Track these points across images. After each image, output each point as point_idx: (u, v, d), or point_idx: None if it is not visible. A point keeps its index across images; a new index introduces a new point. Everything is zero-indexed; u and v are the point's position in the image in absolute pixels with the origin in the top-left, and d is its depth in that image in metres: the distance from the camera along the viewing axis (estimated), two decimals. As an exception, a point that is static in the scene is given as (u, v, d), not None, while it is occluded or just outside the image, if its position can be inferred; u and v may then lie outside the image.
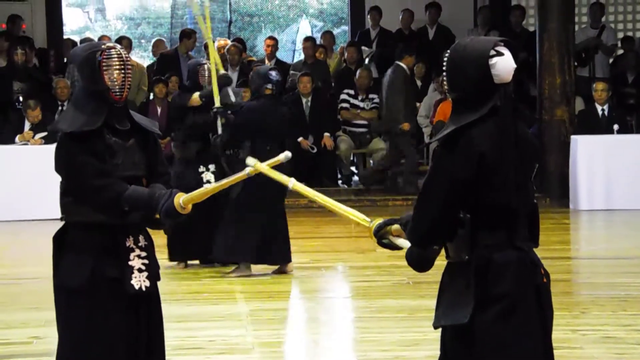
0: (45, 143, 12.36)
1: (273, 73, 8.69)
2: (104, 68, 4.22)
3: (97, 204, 4.21)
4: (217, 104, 8.75)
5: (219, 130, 8.75)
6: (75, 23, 24.03)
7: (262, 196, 8.37)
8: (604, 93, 12.91)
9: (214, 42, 9.74)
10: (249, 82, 8.81)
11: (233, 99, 9.07)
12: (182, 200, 4.18)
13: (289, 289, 8.30)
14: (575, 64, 13.61)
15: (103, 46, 4.26)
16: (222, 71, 8.93)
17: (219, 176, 8.78)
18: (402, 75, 13.31)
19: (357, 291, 8.24)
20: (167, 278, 8.46)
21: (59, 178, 4.34)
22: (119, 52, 4.24)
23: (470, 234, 3.58)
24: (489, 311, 3.57)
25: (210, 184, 8.58)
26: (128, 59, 4.27)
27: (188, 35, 15.10)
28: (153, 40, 15.50)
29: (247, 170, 4.18)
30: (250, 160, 4.22)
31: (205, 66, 9.01)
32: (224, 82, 8.93)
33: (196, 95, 8.92)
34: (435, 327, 3.70)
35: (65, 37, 16.71)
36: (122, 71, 4.23)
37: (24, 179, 12.03)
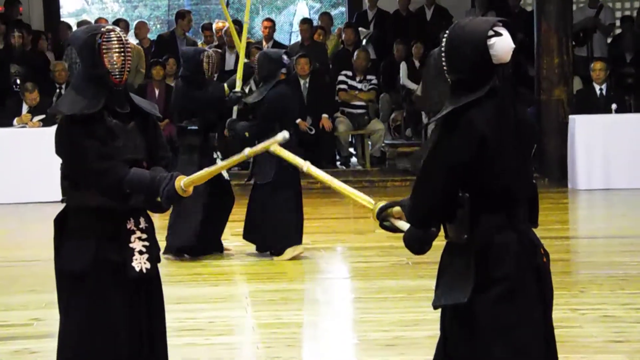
0: (44, 125, 12.36)
1: (285, 57, 8.56)
2: (104, 51, 4.21)
3: (99, 187, 4.21)
4: (238, 87, 8.69)
5: (234, 115, 8.72)
6: (72, 5, 23.96)
7: (292, 178, 8.45)
8: (602, 73, 12.89)
9: (211, 24, 9.67)
10: (257, 66, 8.65)
11: (254, 88, 9.00)
12: (183, 182, 4.18)
13: (289, 270, 8.31)
14: (573, 43, 13.60)
15: (103, 29, 4.25)
16: (246, 60, 8.87)
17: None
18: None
19: (356, 272, 8.26)
20: (167, 259, 8.47)
21: (58, 160, 4.34)
22: (118, 35, 4.23)
23: (470, 214, 3.59)
24: (490, 293, 3.58)
25: (225, 172, 8.56)
26: (127, 42, 4.26)
27: (182, 15, 15.07)
28: (134, 23, 15.38)
29: (246, 151, 4.17)
30: (245, 150, 4.21)
31: (206, 53, 8.70)
32: (248, 72, 8.91)
33: (225, 86, 8.80)
34: (435, 307, 3.71)
35: (62, 19, 16.68)
36: (122, 54, 4.22)
37: (23, 162, 12.03)
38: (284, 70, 8.50)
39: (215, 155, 8.72)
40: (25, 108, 12.71)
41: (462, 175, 3.56)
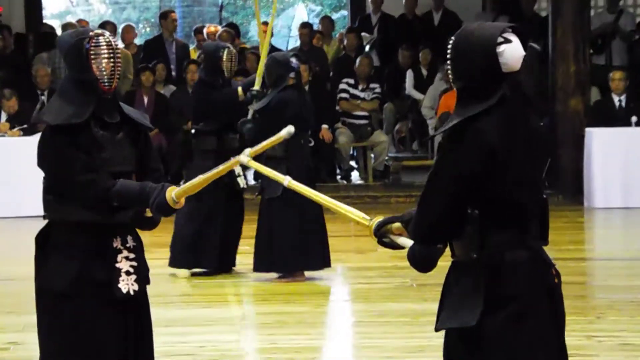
0: (24, 134, 12.36)
1: (293, 60, 8.58)
2: (92, 57, 4.22)
3: (84, 201, 4.21)
4: (257, 86, 8.74)
5: (249, 115, 8.74)
6: (56, 6, 24.00)
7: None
8: (621, 82, 12.92)
9: (203, 28, 9.75)
10: (266, 71, 8.66)
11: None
12: (174, 193, 4.17)
13: (285, 292, 8.30)
14: (591, 51, 13.62)
15: (91, 33, 4.26)
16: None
17: (244, 168, 8.72)
18: (535, 55, 13.33)
19: (357, 294, 8.25)
20: (156, 280, 8.39)
21: (40, 173, 4.34)
22: (107, 40, 4.24)
23: (479, 231, 3.59)
24: (499, 314, 3.57)
25: (240, 177, 8.66)
26: (117, 47, 4.27)
27: (164, 16, 15.10)
28: (121, 26, 15.38)
29: (246, 152, 4.17)
30: (246, 150, 4.22)
31: (227, 50, 8.85)
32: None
33: (240, 90, 8.86)
34: (438, 330, 3.71)
35: (44, 21, 16.71)
36: (112, 60, 4.23)
37: (1, 174, 12.02)
38: (292, 75, 8.51)
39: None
40: (3, 116, 12.71)
41: (470, 188, 3.57)
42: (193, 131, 9.09)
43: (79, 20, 15.90)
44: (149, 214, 4.26)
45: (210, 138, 8.86)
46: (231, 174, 8.69)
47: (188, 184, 4.22)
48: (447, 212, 3.59)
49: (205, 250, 8.74)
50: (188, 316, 7.49)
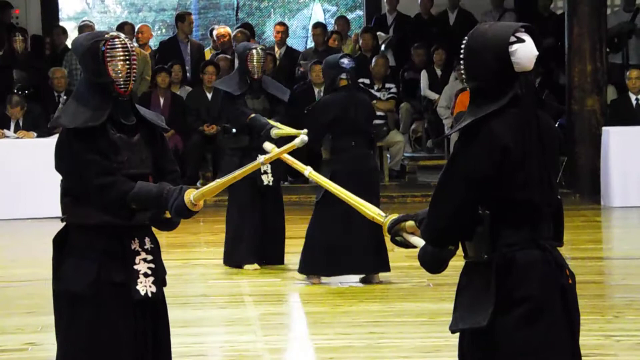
0: (38, 136, 12.37)
1: (345, 60, 8.38)
2: (108, 59, 4.23)
3: (102, 204, 4.22)
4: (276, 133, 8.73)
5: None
6: (72, 8, 24.07)
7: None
8: (638, 81, 12.87)
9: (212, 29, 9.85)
10: (322, 75, 8.58)
11: None
12: (192, 196, 4.17)
13: (301, 292, 8.30)
14: (608, 50, 13.57)
15: (107, 35, 4.27)
16: None
17: (275, 166, 8.74)
18: None
19: (373, 294, 8.24)
20: (172, 281, 8.42)
21: (56, 175, 4.35)
22: (123, 42, 4.25)
23: (490, 231, 3.58)
24: (512, 315, 3.56)
25: (266, 175, 8.72)
26: (133, 49, 4.28)
27: (182, 18, 15.10)
28: (137, 26, 15.36)
29: (261, 158, 4.18)
30: (267, 146, 4.23)
31: (254, 51, 8.94)
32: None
33: (251, 116, 8.88)
34: (453, 331, 3.70)
35: (61, 23, 16.73)
36: (127, 62, 4.24)
37: (17, 175, 12.02)
38: (343, 76, 8.31)
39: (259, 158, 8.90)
40: (12, 124, 12.67)
41: (482, 188, 3.56)
42: (220, 128, 9.30)
43: (84, 27, 15.51)
44: (168, 215, 4.26)
45: (235, 137, 9.01)
46: (257, 170, 8.80)
47: (207, 186, 4.22)
48: (458, 213, 3.58)
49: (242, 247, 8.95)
50: (204, 317, 7.50)
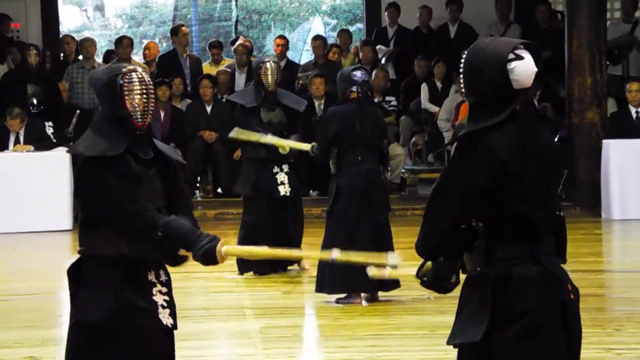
0: (36, 150, 12.30)
1: (357, 73, 8.21)
2: (126, 93, 4.22)
3: (129, 230, 4.19)
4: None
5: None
6: (72, 22, 24.11)
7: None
8: (638, 94, 12.87)
9: (217, 42, 10.07)
10: (337, 86, 8.47)
11: None
12: (225, 249, 4.21)
13: (301, 305, 8.29)
14: (607, 62, 13.58)
15: (124, 69, 4.27)
16: None
17: (292, 176, 9.03)
18: None
19: (374, 307, 8.23)
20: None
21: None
22: (140, 76, 4.25)
23: (486, 245, 3.58)
24: (508, 330, 3.56)
25: (283, 185, 8.78)
26: (150, 82, 4.28)
27: (176, 31, 15.11)
28: (144, 43, 15.39)
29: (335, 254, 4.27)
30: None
31: (268, 64, 9.08)
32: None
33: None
34: (450, 345, 3.70)
35: (61, 37, 16.73)
36: (145, 96, 4.24)
37: (17, 188, 12.00)
38: (354, 89, 8.14)
39: (275, 170, 8.99)
40: (12, 137, 12.64)
41: (477, 202, 3.56)
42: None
43: (88, 40, 15.42)
44: (183, 252, 4.27)
45: (252, 148, 9.11)
46: (274, 182, 8.89)
47: (241, 248, 4.30)
48: (451, 226, 3.59)
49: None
50: (205, 330, 7.49)
